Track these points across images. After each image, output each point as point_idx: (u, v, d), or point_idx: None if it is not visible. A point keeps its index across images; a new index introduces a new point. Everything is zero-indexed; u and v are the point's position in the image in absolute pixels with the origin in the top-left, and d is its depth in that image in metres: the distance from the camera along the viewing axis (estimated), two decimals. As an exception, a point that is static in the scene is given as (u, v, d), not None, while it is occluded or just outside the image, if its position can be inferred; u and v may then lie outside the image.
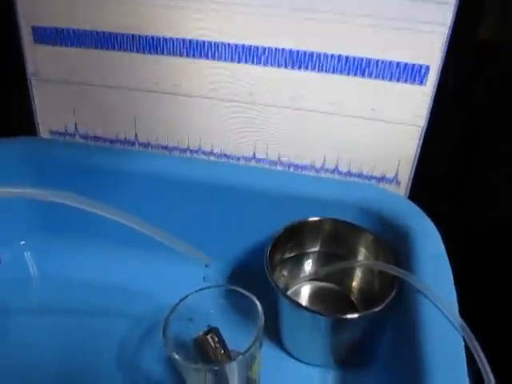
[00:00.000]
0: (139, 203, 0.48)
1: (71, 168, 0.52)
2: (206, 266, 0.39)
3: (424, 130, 0.48)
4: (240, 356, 0.30)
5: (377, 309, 0.37)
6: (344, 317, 0.37)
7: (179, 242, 0.35)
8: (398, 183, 0.51)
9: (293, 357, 0.43)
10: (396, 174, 0.52)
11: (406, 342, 0.35)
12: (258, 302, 0.34)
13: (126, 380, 0.41)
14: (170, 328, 0.33)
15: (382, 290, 0.41)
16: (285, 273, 0.47)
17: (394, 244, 0.43)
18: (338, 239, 0.46)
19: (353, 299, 0.47)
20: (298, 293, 0.47)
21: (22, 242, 0.56)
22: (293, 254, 0.47)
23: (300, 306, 0.38)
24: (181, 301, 0.35)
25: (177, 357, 0.31)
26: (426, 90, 0.46)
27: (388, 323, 0.41)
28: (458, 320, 0.33)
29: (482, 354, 0.30)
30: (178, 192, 0.50)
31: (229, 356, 0.35)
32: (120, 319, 0.47)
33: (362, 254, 0.45)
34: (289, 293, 0.46)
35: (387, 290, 0.39)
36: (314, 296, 0.47)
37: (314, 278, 0.47)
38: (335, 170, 0.52)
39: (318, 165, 0.53)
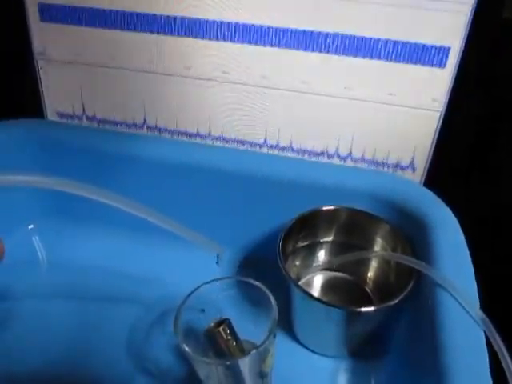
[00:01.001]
0: (147, 190, 0.47)
1: (77, 152, 0.50)
2: (218, 257, 0.38)
3: (442, 115, 0.46)
4: (254, 350, 0.29)
5: (393, 302, 0.36)
6: (359, 309, 0.36)
7: (190, 231, 0.34)
8: (414, 170, 0.50)
9: (305, 347, 0.43)
10: (412, 161, 0.50)
11: (423, 336, 0.34)
12: (271, 294, 0.33)
13: (137, 367, 0.40)
14: (181, 319, 0.32)
15: (398, 282, 0.40)
16: (297, 262, 0.46)
17: (411, 234, 0.41)
18: (352, 229, 0.45)
19: (367, 290, 0.45)
20: (310, 283, 0.46)
21: (31, 226, 0.55)
22: (306, 244, 0.46)
23: (313, 297, 0.37)
24: (193, 292, 0.34)
25: (188, 349, 0.30)
26: (445, 74, 0.44)
27: (404, 316, 0.40)
28: (479, 314, 0.31)
29: (505, 351, 0.29)
30: (187, 178, 0.49)
31: (241, 348, 0.34)
32: (130, 306, 0.46)
33: (379, 245, 0.44)
34: (301, 282, 0.45)
35: (404, 281, 0.37)
36: (327, 286, 0.46)
37: (327, 267, 0.46)
38: (348, 157, 0.51)
39: (331, 151, 0.51)
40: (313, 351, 0.42)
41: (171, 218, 0.33)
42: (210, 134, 0.53)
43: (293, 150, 0.52)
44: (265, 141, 0.52)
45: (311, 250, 0.47)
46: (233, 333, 0.34)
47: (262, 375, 0.33)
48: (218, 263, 0.40)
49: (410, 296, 0.36)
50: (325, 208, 0.44)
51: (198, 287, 0.34)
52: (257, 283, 0.34)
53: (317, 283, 0.46)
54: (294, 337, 0.43)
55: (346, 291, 0.45)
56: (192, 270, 0.41)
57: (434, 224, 0.41)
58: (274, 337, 0.31)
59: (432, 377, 0.30)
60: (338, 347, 0.41)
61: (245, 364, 0.30)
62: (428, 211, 0.42)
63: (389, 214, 0.43)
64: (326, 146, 0.51)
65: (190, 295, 0.33)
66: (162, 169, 0.49)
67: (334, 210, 0.44)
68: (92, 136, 0.52)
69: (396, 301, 0.36)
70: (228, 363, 0.31)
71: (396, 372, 0.40)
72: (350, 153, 0.51)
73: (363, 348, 0.42)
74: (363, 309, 0.36)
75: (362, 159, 0.50)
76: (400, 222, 0.43)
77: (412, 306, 0.38)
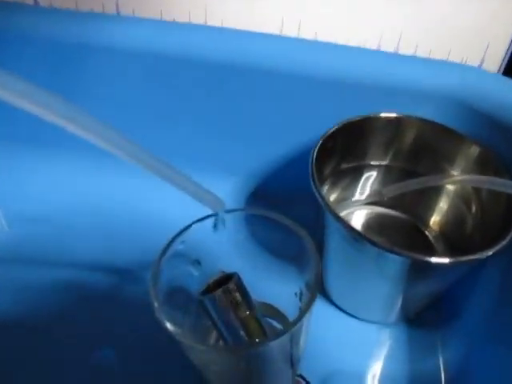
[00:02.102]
0: (120, 97, 0.36)
1: (24, 39, 0.36)
2: (217, 216, 0.23)
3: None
4: (286, 334, 0.17)
5: (487, 253, 0.23)
6: (428, 260, 0.23)
7: (180, 176, 0.19)
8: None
9: (341, 309, 0.32)
10: (481, 63, 0.37)
11: None
12: (306, 236, 0.21)
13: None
14: (161, 277, 0.19)
15: (480, 230, 0.28)
16: (336, 191, 0.33)
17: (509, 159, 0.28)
18: (419, 149, 0.31)
19: (428, 236, 0.33)
20: (349, 220, 0.34)
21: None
22: (350, 166, 0.32)
23: (362, 236, 0.24)
24: (181, 233, 0.21)
25: (173, 329, 0.17)
26: None
27: (489, 274, 0.29)
28: None
29: None
30: (178, 75, 0.35)
31: (258, 320, 0.22)
32: (98, 255, 0.34)
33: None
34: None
35: (492, 229, 0.26)
36: (373, 226, 0.34)
37: (375, 201, 0.33)
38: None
39: (371, 47, 0.37)
40: (352, 315, 0.31)
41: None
42: (205, 25, 0.38)
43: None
44: (280, 32, 0.38)
45: (356, 175, 0.34)
46: (244, 295, 0.22)
47: (291, 361, 0.21)
48: (215, 226, 0.24)
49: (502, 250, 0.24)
50: (382, 115, 0.30)
51: (189, 225, 0.21)
52: (282, 218, 0.22)
53: (358, 221, 0.34)
54: (324, 295, 0.32)
55: (398, 234, 0.34)
56: (185, 204, 0.28)
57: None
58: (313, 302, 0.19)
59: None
60: (389, 310, 0.30)
61: (268, 351, 0.18)
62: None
63: (478, 130, 0.30)
64: (365, 40, 0.37)
65: (175, 238, 0.21)
66: (144, 61, 0.35)
67: (396, 119, 0.31)
68: (44, 18, 0.37)
69: (490, 252, 0.23)
70: (241, 353, 0.18)
71: (470, 345, 0.29)
72: (397, 50, 0.37)
73: (423, 313, 0.31)
74: (434, 259, 0.23)
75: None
76: (495, 142, 0.29)
77: (505, 262, 0.27)
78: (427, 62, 0.33)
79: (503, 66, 0.37)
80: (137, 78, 0.36)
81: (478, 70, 0.32)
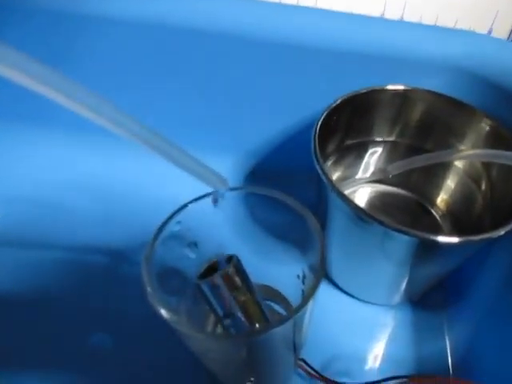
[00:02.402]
0: (120, 67, 0.33)
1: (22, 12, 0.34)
2: (217, 195, 0.21)
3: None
4: (289, 320, 0.16)
5: (495, 234, 0.22)
6: (437, 239, 0.22)
7: (181, 153, 0.17)
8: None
9: (344, 292, 0.30)
10: (490, 31, 0.35)
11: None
12: (310, 216, 0.19)
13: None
14: (156, 260, 0.18)
15: (490, 209, 0.27)
16: (340, 168, 0.32)
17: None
18: (428, 124, 0.29)
19: (435, 215, 0.32)
20: (353, 197, 0.32)
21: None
22: (354, 142, 0.31)
23: (366, 214, 0.22)
24: (176, 212, 0.20)
25: (167, 315, 0.16)
26: None
27: (498, 255, 0.27)
28: None
29: None
30: (180, 51, 0.33)
31: (258, 304, 0.21)
32: (112, 233, 0.33)
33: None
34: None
35: (502, 209, 0.25)
36: (378, 204, 0.33)
37: (380, 178, 0.32)
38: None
39: (375, 15, 0.35)
40: (355, 297, 0.30)
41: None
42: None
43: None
44: (279, 1, 0.36)
45: (361, 151, 0.32)
46: (244, 278, 0.21)
47: (294, 347, 0.20)
48: (216, 202, 0.22)
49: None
50: (389, 88, 0.28)
51: (185, 205, 0.20)
52: (284, 197, 0.20)
53: (362, 199, 0.33)
54: (326, 277, 0.31)
55: (404, 213, 0.32)
56: (185, 185, 0.27)
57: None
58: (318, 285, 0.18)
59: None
60: (394, 291, 0.29)
61: (270, 338, 0.17)
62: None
63: (488, 102, 0.28)
64: (367, 8, 0.35)
65: (170, 219, 0.19)
66: (138, 33, 0.32)
67: (403, 91, 0.28)
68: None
69: (503, 231, 0.22)
70: (241, 340, 0.17)
71: (476, 326, 0.28)
72: (402, 17, 0.35)
73: (429, 294, 0.29)
74: (441, 239, 0.22)
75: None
76: (507, 114, 0.27)
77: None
78: (434, 30, 0.30)
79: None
80: (132, 50, 0.33)
81: (488, 38, 0.30)
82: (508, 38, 0.36)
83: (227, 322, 0.20)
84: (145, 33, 0.32)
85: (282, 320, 0.16)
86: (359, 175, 0.33)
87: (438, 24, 0.34)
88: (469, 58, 0.29)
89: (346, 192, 0.32)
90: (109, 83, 0.34)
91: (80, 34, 0.33)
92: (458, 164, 0.30)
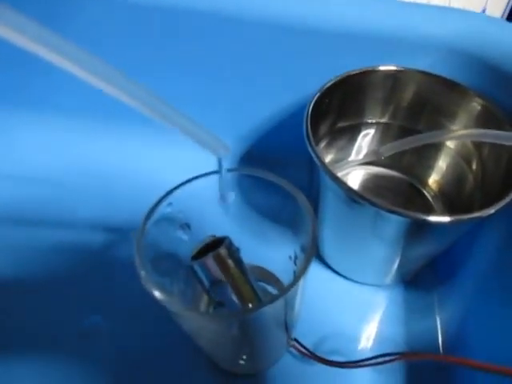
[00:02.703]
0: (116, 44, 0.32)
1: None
2: (220, 162, 0.20)
3: None
4: (280, 298, 0.16)
5: (485, 213, 0.22)
6: (428, 219, 0.22)
7: (180, 116, 0.17)
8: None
9: (336, 272, 0.31)
10: (483, 10, 0.35)
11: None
12: (302, 197, 0.19)
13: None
14: (148, 242, 0.18)
15: (480, 189, 0.27)
16: (332, 150, 0.32)
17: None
18: (419, 105, 0.29)
19: (427, 196, 0.32)
20: (346, 179, 0.32)
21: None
22: (347, 124, 0.31)
23: (362, 197, 0.22)
24: (169, 193, 0.20)
25: (161, 296, 0.16)
26: None
27: (490, 233, 0.27)
28: None
29: None
30: (172, 32, 0.32)
31: (251, 284, 0.21)
32: (109, 214, 0.33)
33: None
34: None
35: (492, 188, 0.25)
36: (370, 186, 0.33)
37: (372, 160, 0.32)
38: None
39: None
40: (348, 278, 0.31)
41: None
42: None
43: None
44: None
45: (353, 134, 0.32)
46: (236, 259, 0.21)
47: (286, 326, 0.21)
48: (220, 171, 0.21)
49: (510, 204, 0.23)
50: (381, 68, 0.28)
51: (177, 186, 0.20)
52: (276, 178, 0.20)
53: (355, 181, 0.33)
54: (319, 258, 0.31)
55: (396, 194, 0.32)
56: (181, 166, 0.27)
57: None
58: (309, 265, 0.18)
59: None
60: (386, 272, 0.29)
61: (262, 316, 0.17)
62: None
63: (481, 81, 0.28)
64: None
65: (161, 200, 0.19)
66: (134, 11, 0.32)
67: (395, 72, 0.28)
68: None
69: (493, 210, 0.22)
70: (233, 318, 0.17)
71: (467, 305, 0.28)
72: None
73: (420, 274, 0.30)
74: (433, 218, 0.22)
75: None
76: (498, 93, 0.27)
77: (508, 219, 0.25)
78: (426, 9, 0.30)
79: (507, 12, 0.35)
80: (129, 31, 0.32)
81: (481, 16, 0.29)
82: (502, 15, 0.36)
83: (220, 302, 0.21)
84: (142, 13, 0.31)
85: (273, 299, 0.16)
86: (352, 157, 0.33)
87: (431, 1, 0.34)
88: (462, 37, 0.28)
89: (339, 174, 0.32)
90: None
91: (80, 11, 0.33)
92: (450, 144, 0.30)
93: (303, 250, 0.20)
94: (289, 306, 0.18)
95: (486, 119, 0.27)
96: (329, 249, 0.30)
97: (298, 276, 0.17)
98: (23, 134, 0.39)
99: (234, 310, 0.20)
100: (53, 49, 0.11)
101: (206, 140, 0.17)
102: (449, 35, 0.28)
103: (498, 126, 0.26)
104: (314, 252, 0.18)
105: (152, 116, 0.15)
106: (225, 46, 0.31)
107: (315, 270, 0.30)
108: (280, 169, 0.24)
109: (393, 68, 0.28)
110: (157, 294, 0.16)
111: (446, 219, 0.21)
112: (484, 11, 0.37)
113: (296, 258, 0.21)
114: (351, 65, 0.27)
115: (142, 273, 0.17)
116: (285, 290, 0.16)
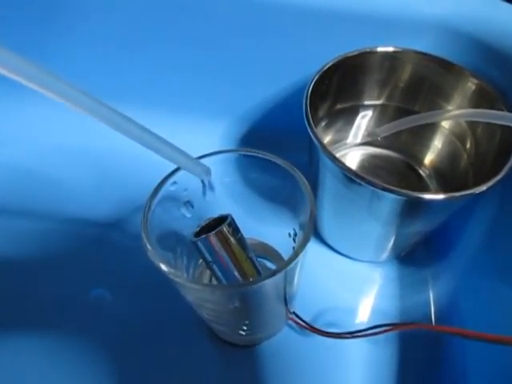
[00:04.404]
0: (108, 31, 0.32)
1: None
2: (203, 182, 0.22)
3: None
4: (280, 272, 0.17)
5: (476, 190, 0.22)
6: (422, 196, 0.22)
7: (165, 144, 0.17)
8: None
9: (334, 250, 0.32)
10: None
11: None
12: (300, 176, 0.20)
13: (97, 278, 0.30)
14: (153, 218, 0.19)
15: (474, 166, 0.28)
16: (330, 132, 0.32)
17: (509, 94, 0.27)
18: (416, 85, 0.30)
19: (422, 175, 0.33)
20: (344, 160, 0.33)
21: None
22: (345, 106, 0.31)
23: (359, 176, 0.23)
24: (172, 173, 0.20)
25: (166, 269, 0.17)
26: None
27: (477, 212, 0.28)
28: None
29: None
30: (170, 16, 0.32)
31: (251, 259, 0.22)
32: (87, 197, 0.34)
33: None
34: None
35: (485, 166, 0.26)
36: (367, 166, 0.33)
37: (369, 141, 0.33)
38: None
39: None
40: (345, 255, 0.32)
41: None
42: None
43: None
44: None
45: (351, 115, 0.32)
46: (238, 237, 0.22)
47: (285, 300, 0.22)
48: (204, 194, 0.22)
49: (503, 181, 0.23)
50: (379, 50, 0.28)
51: (179, 167, 0.21)
52: (276, 158, 0.21)
53: (353, 161, 0.33)
54: (317, 236, 0.32)
55: (392, 174, 0.33)
56: (181, 145, 0.27)
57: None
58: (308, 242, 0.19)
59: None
60: (382, 249, 0.30)
61: (262, 289, 0.18)
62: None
63: (477, 61, 0.28)
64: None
65: (166, 179, 0.20)
66: None
67: (393, 53, 0.28)
68: None
69: (484, 187, 0.23)
70: (234, 290, 0.18)
71: (459, 280, 0.29)
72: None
73: (414, 251, 0.31)
74: (427, 196, 0.22)
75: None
76: (493, 73, 0.27)
77: (500, 196, 0.26)
78: None
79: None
80: (124, 16, 0.33)
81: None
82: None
83: (222, 278, 0.22)
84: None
85: (273, 273, 0.17)
86: (350, 139, 0.33)
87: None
88: (458, 17, 0.28)
89: (337, 155, 0.33)
90: (103, 49, 0.34)
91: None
92: (445, 124, 0.30)
93: (302, 227, 0.20)
94: (288, 281, 0.19)
95: (480, 98, 0.27)
96: (327, 227, 0.31)
97: (296, 252, 0.18)
98: (15, 119, 0.39)
99: (235, 283, 0.21)
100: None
101: (189, 166, 0.19)
102: (446, 16, 0.29)
103: (491, 104, 0.26)
104: (311, 229, 0.18)
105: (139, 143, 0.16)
106: (225, 27, 0.32)
107: (314, 247, 0.31)
108: (280, 150, 0.24)
109: (390, 49, 0.28)
110: (162, 266, 0.17)
111: (439, 197, 0.22)
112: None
113: (295, 235, 0.22)
114: (350, 46, 0.28)
115: (149, 248, 0.18)
116: (284, 265, 0.17)
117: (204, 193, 0.21)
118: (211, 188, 0.22)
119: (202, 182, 0.21)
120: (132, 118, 0.16)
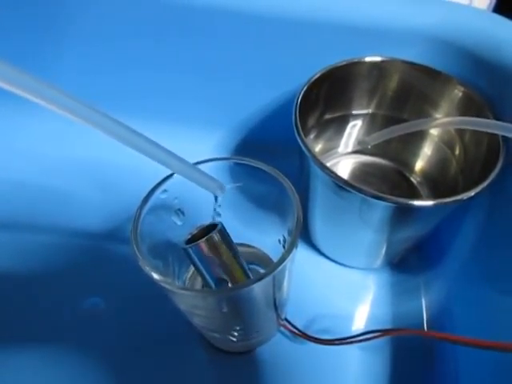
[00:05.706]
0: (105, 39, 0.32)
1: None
2: (216, 198, 0.22)
3: None
4: (267, 276, 0.17)
5: (465, 196, 0.23)
6: (412, 203, 0.23)
7: (180, 161, 0.18)
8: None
9: (326, 257, 0.32)
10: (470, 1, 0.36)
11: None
12: (288, 183, 0.21)
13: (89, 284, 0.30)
14: (143, 227, 0.19)
15: (463, 173, 0.28)
16: (321, 141, 0.33)
17: (495, 102, 0.27)
18: (404, 94, 0.30)
19: (413, 181, 0.33)
20: (335, 169, 0.33)
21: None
22: (335, 116, 0.32)
23: (347, 183, 0.23)
24: (162, 181, 0.21)
25: (157, 277, 0.18)
26: None
27: (474, 215, 0.28)
28: None
29: None
30: (163, 27, 0.33)
31: (242, 266, 0.22)
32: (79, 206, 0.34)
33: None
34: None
35: (474, 172, 0.26)
36: (358, 174, 0.34)
37: (359, 149, 0.33)
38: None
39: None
40: (338, 262, 0.32)
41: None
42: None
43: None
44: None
45: (341, 125, 0.33)
46: (229, 244, 0.22)
47: (275, 305, 0.22)
48: (215, 210, 0.23)
49: (491, 187, 0.24)
50: (367, 60, 0.29)
51: (172, 174, 0.21)
52: (265, 167, 0.21)
53: (344, 170, 0.34)
54: (310, 244, 0.32)
55: (383, 181, 0.33)
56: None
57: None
58: (295, 248, 0.19)
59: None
60: (374, 255, 0.30)
61: (250, 294, 0.18)
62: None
63: (464, 71, 0.29)
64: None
65: (157, 187, 0.21)
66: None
67: (381, 63, 0.29)
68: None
69: (472, 193, 0.23)
70: (224, 295, 0.19)
71: (451, 287, 0.29)
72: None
73: (407, 257, 0.31)
74: (417, 202, 0.23)
75: None
76: (480, 82, 0.28)
77: (489, 203, 0.26)
78: (412, 0, 0.31)
79: (493, 3, 0.35)
80: (120, 23, 0.33)
81: (466, 8, 0.30)
82: (488, 6, 0.37)
83: (213, 285, 0.22)
84: (133, 4, 0.32)
85: (260, 277, 0.17)
86: (341, 148, 0.34)
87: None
88: (446, 28, 0.29)
89: (328, 164, 0.33)
90: (97, 59, 0.35)
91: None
92: (434, 132, 0.31)
93: (290, 233, 0.21)
94: (276, 286, 0.20)
95: (467, 106, 0.28)
96: (319, 235, 0.31)
97: (283, 256, 0.18)
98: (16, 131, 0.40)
99: (223, 287, 0.21)
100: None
101: (204, 182, 0.19)
102: (433, 26, 0.29)
103: (478, 112, 0.27)
104: (298, 235, 0.19)
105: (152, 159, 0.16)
106: (216, 39, 0.32)
107: (307, 254, 0.32)
108: (271, 159, 0.24)
109: (378, 59, 0.29)
110: (154, 274, 0.18)
111: (428, 203, 0.23)
112: (471, 2, 0.37)
113: (285, 241, 0.23)
114: (338, 56, 0.28)
115: (139, 257, 0.18)
116: (271, 269, 0.17)
117: (214, 208, 0.22)
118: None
119: (216, 197, 0.21)
120: (144, 134, 0.16)
